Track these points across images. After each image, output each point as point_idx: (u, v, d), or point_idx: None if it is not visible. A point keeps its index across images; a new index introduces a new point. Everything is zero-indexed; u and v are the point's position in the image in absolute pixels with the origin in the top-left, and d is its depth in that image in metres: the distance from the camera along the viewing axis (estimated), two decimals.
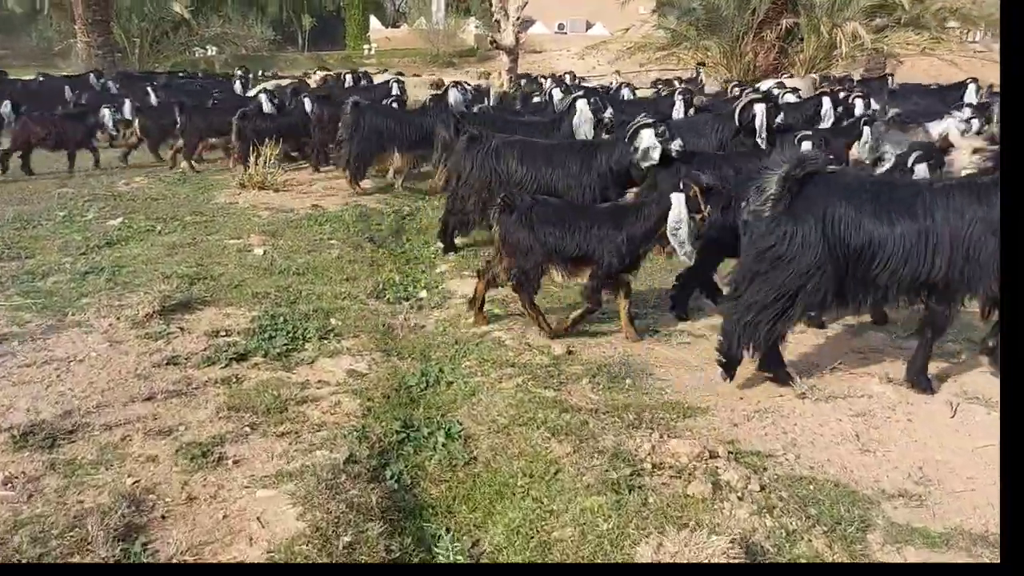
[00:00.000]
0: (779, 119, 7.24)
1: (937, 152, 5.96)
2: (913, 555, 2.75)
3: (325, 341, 4.54)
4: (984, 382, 4.09)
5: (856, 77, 19.10)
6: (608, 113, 7.62)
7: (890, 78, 16.96)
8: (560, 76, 16.85)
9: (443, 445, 3.48)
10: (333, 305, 5.12)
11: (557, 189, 5.78)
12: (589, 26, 41.92)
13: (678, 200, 4.34)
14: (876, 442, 3.50)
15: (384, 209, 8.32)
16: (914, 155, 5.78)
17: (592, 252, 4.44)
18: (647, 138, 5.57)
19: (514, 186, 5.77)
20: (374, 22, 42.37)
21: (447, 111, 8.82)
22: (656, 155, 5.57)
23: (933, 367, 4.09)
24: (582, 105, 7.29)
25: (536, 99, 12.88)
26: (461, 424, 3.65)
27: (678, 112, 10.04)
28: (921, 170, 5.68)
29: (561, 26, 42.13)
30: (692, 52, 22.44)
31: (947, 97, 13.52)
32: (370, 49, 38.99)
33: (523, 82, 17.90)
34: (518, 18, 11.33)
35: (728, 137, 7.28)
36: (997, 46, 36.78)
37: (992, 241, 3.61)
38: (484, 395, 3.89)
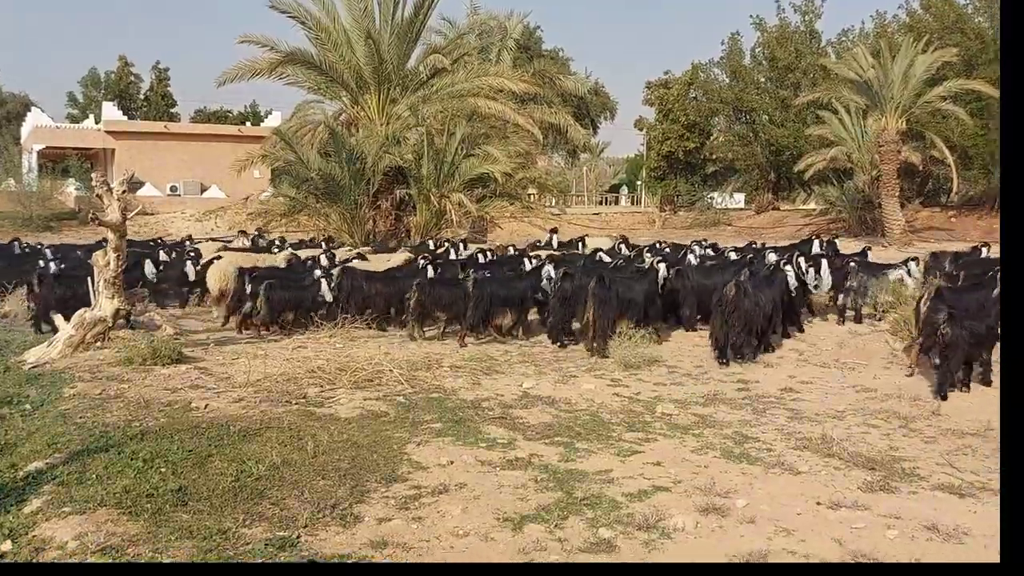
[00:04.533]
0: None
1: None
2: None
3: None
4: None
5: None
6: None
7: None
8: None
9: None
10: None
11: None
12: (204, 188, 40.90)
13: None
14: None
15: None
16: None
17: None
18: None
19: None
20: None
21: None
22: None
23: None
24: None
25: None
26: None
27: None
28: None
29: (174, 188, 40.47)
30: (314, 218, 22.95)
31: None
32: None
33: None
34: (124, 190, 10.48)
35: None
36: (570, 209, 43.71)
37: None
38: None
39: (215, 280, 12.91)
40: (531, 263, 13.13)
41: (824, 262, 11.81)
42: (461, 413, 7.23)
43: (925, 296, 8.58)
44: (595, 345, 10.11)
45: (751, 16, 61.50)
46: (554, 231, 20.65)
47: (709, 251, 15.88)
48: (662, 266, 11.49)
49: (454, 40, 26.37)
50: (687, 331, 11.56)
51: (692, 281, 11.56)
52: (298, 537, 4.52)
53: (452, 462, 5.83)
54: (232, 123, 52.88)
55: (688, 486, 5.41)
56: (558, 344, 10.83)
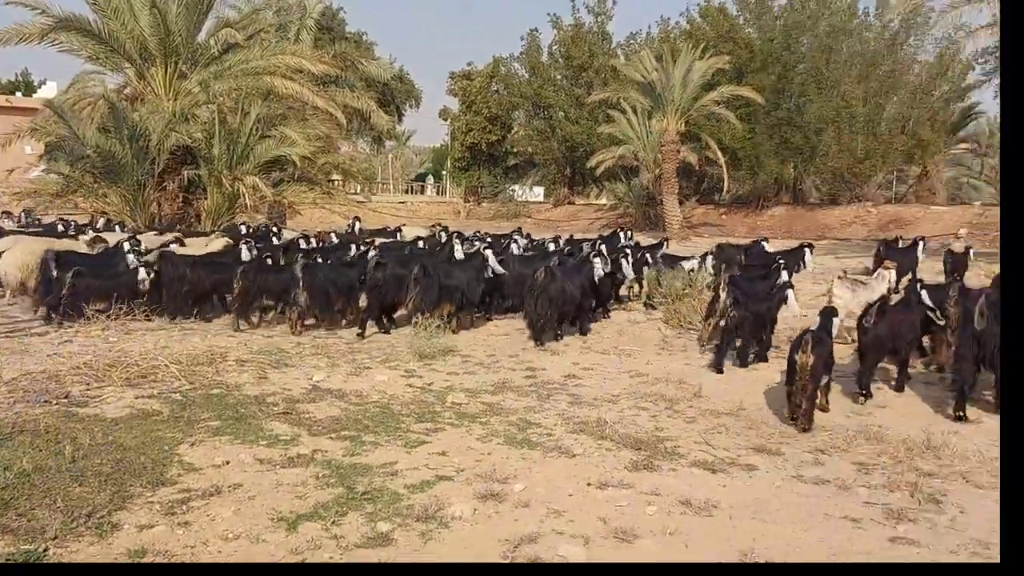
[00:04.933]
0: None
1: None
2: None
3: None
4: None
5: None
6: None
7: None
8: None
9: None
10: None
11: None
12: None
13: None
14: None
15: None
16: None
17: None
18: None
19: None
20: None
21: None
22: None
23: None
24: None
25: None
26: None
27: None
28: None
29: None
30: (91, 200, 21.07)
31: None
32: None
33: None
34: None
35: None
36: (376, 197, 43.26)
37: None
38: None
39: (15, 271, 11.64)
40: (357, 250, 13.20)
41: (628, 253, 12.62)
42: (243, 410, 6.96)
43: (722, 283, 9.47)
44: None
45: (548, 14, 63.67)
46: (356, 219, 20.40)
47: (526, 242, 16.45)
48: (489, 252, 11.81)
49: (249, 15, 25.08)
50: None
51: (514, 269, 12.08)
52: (45, 550, 4.16)
53: (228, 462, 5.60)
54: None
55: (470, 474, 5.55)
56: (358, 334, 10.76)
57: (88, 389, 7.41)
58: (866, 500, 5.26)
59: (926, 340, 9.02)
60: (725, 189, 34.15)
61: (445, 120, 48.75)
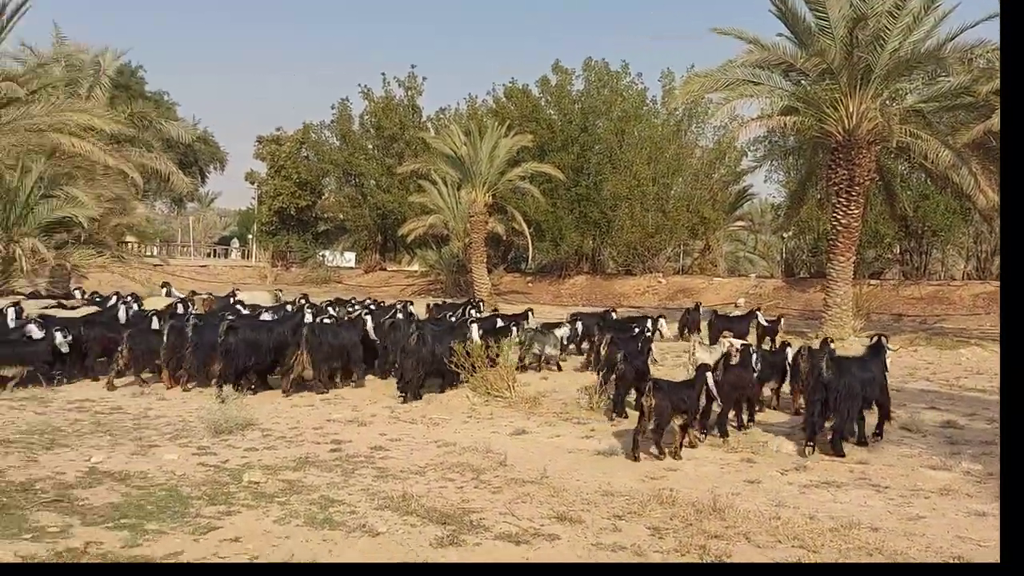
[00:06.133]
0: None
1: None
2: None
3: None
4: None
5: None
6: None
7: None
8: None
9: None
10: None
11: None
12: None
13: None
14: None
15: None
16: None
17: None
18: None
19: None
20: None
21: None
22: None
23: None
24: None
25: None
26: None
27: None
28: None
29: None
30: None
31: None
32: None
33: None
34: None
35: None
36: (174, 260, 40.89)
37: None
38: None
39: None
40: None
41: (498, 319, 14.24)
42: (5, 499, 6.21)
43: (604, 343, 11.49)
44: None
45: (359, 85, 64.29)
46: (165, 284, 19.28)
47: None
48: (369, 318, 12.97)
49: (33, 68, 23.35)
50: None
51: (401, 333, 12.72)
52: None
53: None
54: None
55: (264, 561, 5.26)
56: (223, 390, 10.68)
57: None
58: None
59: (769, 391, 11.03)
60: (530, 258, 35.57)
61: (252, 183, 47.37)
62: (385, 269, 44.02)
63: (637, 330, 13.74)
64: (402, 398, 11.29)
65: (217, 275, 39.96)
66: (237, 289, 20.35)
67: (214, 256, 53.42)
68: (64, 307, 15.12)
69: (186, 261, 44.93)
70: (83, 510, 6.11)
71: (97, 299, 16.90)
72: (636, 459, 8.22)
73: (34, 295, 17.37)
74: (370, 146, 42.48)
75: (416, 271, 41.63)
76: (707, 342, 14.01)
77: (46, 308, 14.33)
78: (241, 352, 11.37)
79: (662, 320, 15.85)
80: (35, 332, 11.66)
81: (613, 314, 17.06)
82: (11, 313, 12.95)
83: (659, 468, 8.08)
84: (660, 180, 33.68)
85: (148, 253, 40.21)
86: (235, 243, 58.94)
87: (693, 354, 12.01)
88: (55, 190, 20.03)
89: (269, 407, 10.65)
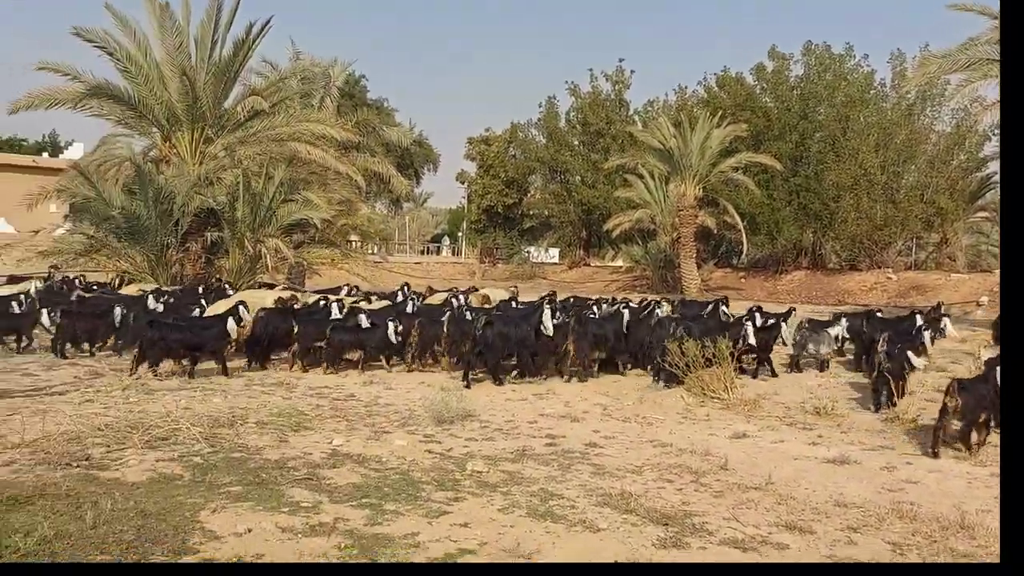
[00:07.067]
0: None
1: None
2: None
3: None
4: None
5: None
6: None
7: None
8: None
9: None
10: None
11: None
12: None
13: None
14: None
15: None
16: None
17: None
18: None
19: None
20: None
21: None
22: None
23: None
24: None
25: None
26: None
27: None
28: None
29: None
30: (114, 259, 21.37)
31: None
32: None
33: None
34: None
35: None
36: (392, 257, 43.62)
37: None
38: None
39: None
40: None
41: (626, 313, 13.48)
42: (264, 474, 6.90)
43: (882, 341, 10.78)
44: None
45: (567, 82, 64.98)
46: (406, 285, 20.49)
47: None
48: (626, 312, 13.57)
49: (275, 83, 25.77)
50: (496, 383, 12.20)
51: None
52: None
53: (250, 530, 5.52)
54: (27, 152, 48.55)
55: (493, 548, 5.44)
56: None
57: (109, 451, 7.38)
58: None
59: None
60: (743, 253, 34.22)
61: (462, 183, 49.46)
62: (589, 265, 44.29)
63: (914, 328, 12.20)
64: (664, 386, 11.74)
65: (429, 271, 42.10)
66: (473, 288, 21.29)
67: (427, 253, 56.37)
68: (369, 301, 17.13)
69: (403, 258, 47.72)
70: (330, 488, 6.64)
71: (371, 296, 18.68)
72: (936, 455, 8.26)
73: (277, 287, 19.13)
74: (576, 142, 42.91)
75: (620, 267, 41.51)
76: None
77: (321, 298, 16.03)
78: (497, 345, 12.32)
79: (946, 320, 13.99)
80: (364, 322, 13.38)
81: (879, 312, 15.52)
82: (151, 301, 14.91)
83: (897, 480, 7.47)
84: (889, 168, 31.23)
85: (369, 251, 43.22)
86: (446, 240, 61.86)
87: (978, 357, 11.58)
88: (293, 194, 21.99)
89: (484, 400, 11.03)
